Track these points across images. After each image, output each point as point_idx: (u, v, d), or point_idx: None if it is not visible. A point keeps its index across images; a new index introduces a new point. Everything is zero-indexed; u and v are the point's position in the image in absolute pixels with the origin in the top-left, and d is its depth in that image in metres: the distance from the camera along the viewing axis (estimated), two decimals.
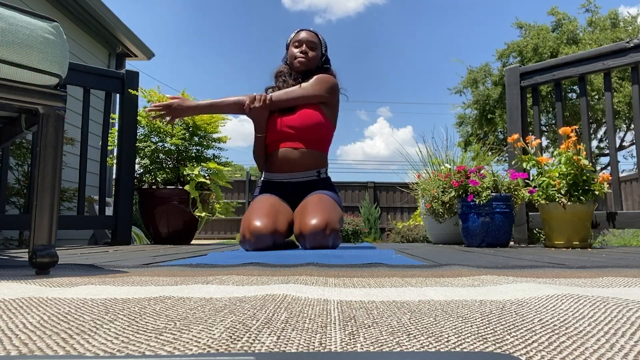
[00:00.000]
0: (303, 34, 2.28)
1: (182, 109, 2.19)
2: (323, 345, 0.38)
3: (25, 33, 0.95)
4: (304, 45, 2.25)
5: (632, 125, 5.50)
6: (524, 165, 2.36)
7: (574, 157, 2.14)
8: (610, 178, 2.23)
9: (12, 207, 3.56)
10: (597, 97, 11.13)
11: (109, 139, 2.89)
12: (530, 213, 2.75)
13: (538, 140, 2.46)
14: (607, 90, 2.64)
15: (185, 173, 2.90)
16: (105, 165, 2.78)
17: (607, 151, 12.30)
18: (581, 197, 2.12)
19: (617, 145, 11.61)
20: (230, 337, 0.39)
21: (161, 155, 3.04)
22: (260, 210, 2.03)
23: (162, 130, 2.98)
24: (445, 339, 0.39)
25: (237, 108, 2.20)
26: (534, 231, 3.01)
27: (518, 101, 2.88)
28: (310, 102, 2.18)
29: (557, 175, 2.17)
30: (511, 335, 0.40)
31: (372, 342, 0.38)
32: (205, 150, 3.17)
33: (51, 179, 0.98)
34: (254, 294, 0.63)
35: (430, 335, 0.41)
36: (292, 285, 0.72)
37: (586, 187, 2.14)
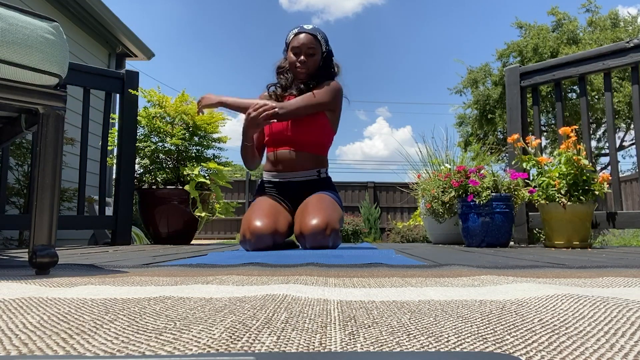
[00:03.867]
0: (301, 39, 2.19)
1: (211, 102, 2.27)
2: (323, 345, 0.38)
3: (25, 33, 0.95)
4: (303, 54, 2.19)
5: (632, 125, 5.50)
6: (524, 165, 2.36)
7: (574, 157, 2.14)
8: (610, 178, 2.23)
9: (12, 207, 3.56)
10: (597, 97, 11.13)
11: (109, 139, 2.89)
12: (530, 213, 2.75)
13: (538, 140, 2.46)
14: (607, 90, 2.64)
15: (185, 173, 2.90)
16: (105, 165, 2.78)
17: (606, 151, 12.30)
18: (581, 197, 2.12)
19: (617, 145, 11.61)
20: (230, 337, 0.39)
21: (161, 155, 3.04)
22: (260, 210, 2.03)
23: (162, 130, 2.98)
24: (445, 339, 0.39)
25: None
26: (534, 231, 3.01)
27: (518, 101, 2.88)
28: (317, 110, 2.17)
29: (557, 175, 2.17)
30: (511, 335, 0.40)
31: (372, 342, 0.38)
32: (205, 150, 3.17)
33: (51, 179, 0.98)
34: (254, 294, 0.63)
35: (430, 335, 0.41)
36: (292, 285, 0.72)
37: (586, 187, 2.14)
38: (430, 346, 0.37)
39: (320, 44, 2.24)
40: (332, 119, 2.23)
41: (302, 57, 2.19)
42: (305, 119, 2.15)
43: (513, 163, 2.66)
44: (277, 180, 2.22)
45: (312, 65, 2.21)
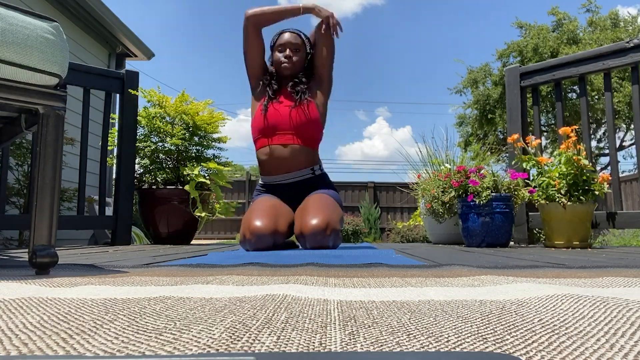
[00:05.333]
0: (286, 37, 2.24)
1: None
2: (323, 345, 0.38)
3: (25, 33, 0.95)
4: (288, 50, 2.21)
5: (632, 125, 5.50)
6: (524, 165, 2.36)
7: (574, 157, 2.14)
8: (610, 178, 2.22)
9: (12, 207, 3.56)
10: (597, 97, 11.13)
11: (109, 139, 2.89)
12: (530, 213, 2.75)
13: (538, 140, 2.46)
14: (607, 90, 2.63)
15: (185, 173, 2.90)
16: (105, 165, 2.78)
17: (606, 151, 12.30)
18: (581, 197, 2.12)
19: (617, 145, 11.61)
20: (230, 337, 0.39)
21: (161, 155, 3.04)
22: (260, 210, 2.03)
23: (162, 130, 2.98)
24: (445, 339, 0.39)
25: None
26: (534, 231, 3.01)
27: (518, 101, 2.88)
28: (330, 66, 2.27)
29: (557, 175, 2.17)
30: (511, 335, 0.40)
31: (372, 342, 0.38)
32: (205, 150, 3.17)
33: (51, 179, 0.98)
34: (254, 294, 0.63)
35: (430, 335, 0.41)
36: (292, 285, 0.72)
37: (586, 187, 2.14)
38: (430, 346, 0.37)
39: (304, 43, 2.26)
40: (322, 115, 2.25)
41: (287, 52, 2.21)
42: (299, 110, 2.15)
43: (513, 163, 2.66)
44: (273, 182, 2.22)
45: (298, 61, 2.22)
